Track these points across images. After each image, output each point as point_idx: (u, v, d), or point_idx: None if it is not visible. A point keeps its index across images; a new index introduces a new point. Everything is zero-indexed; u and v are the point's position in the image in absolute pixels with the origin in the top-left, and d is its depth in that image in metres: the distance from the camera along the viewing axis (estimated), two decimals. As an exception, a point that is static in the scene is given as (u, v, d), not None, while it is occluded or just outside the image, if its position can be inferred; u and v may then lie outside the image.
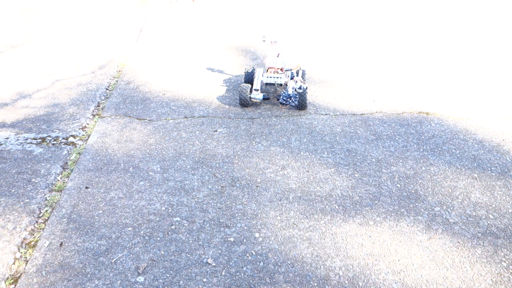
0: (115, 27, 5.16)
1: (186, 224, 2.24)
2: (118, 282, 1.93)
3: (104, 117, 3.23)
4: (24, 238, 2.15)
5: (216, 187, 2.51)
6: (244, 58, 4.28)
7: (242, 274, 1.97)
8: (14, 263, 2.01)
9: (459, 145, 2.91)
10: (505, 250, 2.10)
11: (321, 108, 3.36)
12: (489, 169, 2.67)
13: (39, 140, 2.92)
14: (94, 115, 3.27)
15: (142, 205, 2.37)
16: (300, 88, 3.20)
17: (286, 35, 4.93)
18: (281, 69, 3.38)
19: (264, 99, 3.30)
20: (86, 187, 2.49)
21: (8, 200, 2.39)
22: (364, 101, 3.46)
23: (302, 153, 2.81)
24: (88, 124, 3.15)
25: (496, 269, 2.00)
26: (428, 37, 4.91)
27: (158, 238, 2.16)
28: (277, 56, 3.49)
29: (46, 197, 2.42)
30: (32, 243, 2.13)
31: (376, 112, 3.32)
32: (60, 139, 2.94)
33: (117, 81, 3.81)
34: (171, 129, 3.08)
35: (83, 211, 2.32)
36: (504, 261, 2.04)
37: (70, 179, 2.55)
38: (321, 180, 2.57)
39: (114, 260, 2.04)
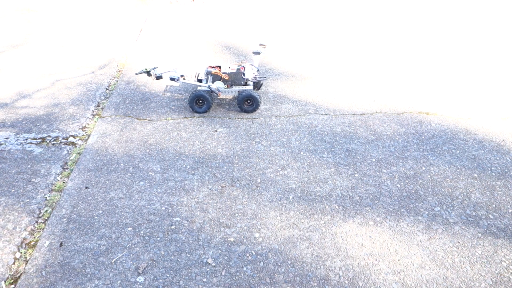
0: (115, 27, 5.16)
1: (186, 224, 2.24)
2: (118, 282, 1.93)
3: (104, 117, 3.23)
4: (24, 238, 2.15)
5: (216, 187, 2.51)
6: (244, 58, 4.28)
7: (242, 274, 1.97)
8: (14, 263, 2.01)
9: (459, 145, 2.91)
10: (505, 250, 2.10)
11: (321, 108, 3.36)
12: (489, 169, 2.67)
13: (39, 140, 2.92)
14: (94, 115, 3.27)
15: (142, 205, 2.37)
16: (208, 87, 3.21)
17: (285, 35, 4.93)
18: (215, 67, 3.32)
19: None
20: (86, 187, 2.49)
21: (8, 200, 2.39)
22: (364, 101, 3.46)
23: (302, 153, 2.81)
24: (88, 124, 3.15)
25: (496, 269, 2.00)
26: (428, 37, 4.91)
27: (158, 238, 2.16)
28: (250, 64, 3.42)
29: (46, 197, 2.41)
30: (32, 243, 2.13)
31: (376, 112, 3.32)
32: (60, 139, 2.94)
33: (117, 81, 3.81)
34: (171, 129, 3.08)
35: (83, 211, 2.32)
36: (504, 261, 2.04)
37: (70, 179, 2.55)
38: (321, 180, 2.57)
39: (114, 260, 2.04)
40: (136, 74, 3.27)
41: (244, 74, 3.24)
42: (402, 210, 2.34)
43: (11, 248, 2.09)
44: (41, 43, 4.61)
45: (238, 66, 3.29)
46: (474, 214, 2.32)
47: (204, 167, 2.68)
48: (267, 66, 4.17)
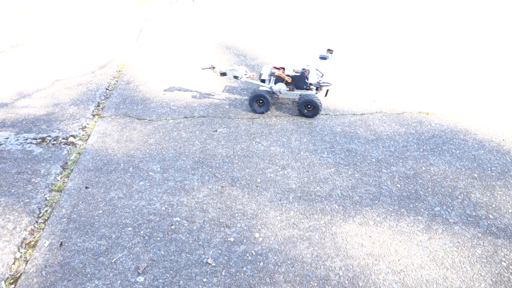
0: (115, 27, 5.16)
1: (186, 224, 2.24)
2: (118, 282, 1.93)
3: (104, 117, 3.23)
4: (24, 238, 2.14)
5: (216, 187, 2.51)
6: (244, 58, 4.28)
7: (242, 274, 1.97)
8: (14, 263, 2.01)
9: (459, 145, 2.91)
10: (505, 250, 2.10)
11: (321, 108, 3.36)
12: (489, 169, 2.67)
13: (39, 140, 2.92)
14: (94, 115, 3.27)
15: (142, 205, 2.37)
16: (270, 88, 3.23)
17: (285, 34, 4.93)
18: (279, 69, 3.32)
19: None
20: (86, 187, 2.49)
21: (8, 200, 2.39)
22: (364, 101, 3.46)
23: (302, 153, 2.81)
24: (88, 124, 3.15)
25: (496, 269, 2.00)
26: (428, 37, 4.91)
27: (158, 238, 2.16)
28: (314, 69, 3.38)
29: (46, 197, 2.41)
30: (32, 243, 2.13)
31: (376, 112, 3.32)
32: (60, 139, 2.94)
33: (117, 81, 3.81)
34: (171, 129, 3.08)
35: (83, 211, 2.32)
36: (504, 261, 2.04)
37: (70, 179, 2.55)
38: (321, 180, 2.57)
39: (114, 260, 2.04)
40: (202, 69, 3.36)
41: (307, 78, 3.19)
42: (402, 210, 2.34)
43: (11, 248, 2.09)
44: (41, 43, 4.61)
45: (303, 69, 3.23)
46: (474, 214, 2.32)
47: (204, 167, 2.68)
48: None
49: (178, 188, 2.49)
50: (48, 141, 2.91)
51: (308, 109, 3.18)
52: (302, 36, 4.90)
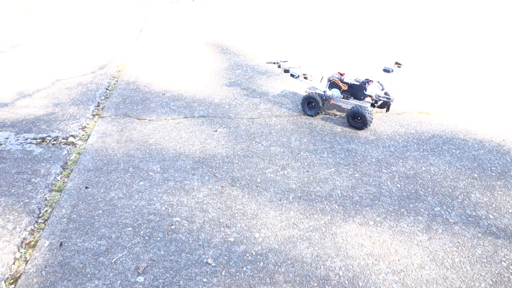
0: (115, 27, 5.16)
1: (186, 224, 2.24)
2: (118, 282, 1.93)
3: (104, 117, 3.23)
4: (24, 238, 2.14)
5: (216, 187, 2.51)
6: (244, 58, 4.28)
7: (242, 274, 1.97)
8: (14, 263, 2.01)
9: (459, 145, 2.91)
10: (505, 250, 2.10)
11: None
12: (489, 169, 2.67)
13: (39, 140, 2.92)
14: (94, 115, 3.27)
15: (142, 205, 2.37)
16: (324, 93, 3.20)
17: (284, 34, 4.92)
18: (342, 75, 3.19)
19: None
20: (86, 187, 2.49)
21: (8, 200, 2.39)
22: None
23: (302, 153, 2.81)
24: (88, 124, 3.15)
25: (496, 269, 2.00)
26: (428, 37, 4.91)
27: (158, 238, 2.15)
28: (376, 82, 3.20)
29: (46, 197, 2.41)
30: (32, 243, 2.13)
31: (376, 112, 3.31)
32: (60, 139, 2.94)
33: (117, 81, 3.81)
34: (171, 129, 3.08)
35: (83, 211, 2.32)
36: (504, 261, 2.04)
37: (70, 179, 2.55)
38: (321, 180, 2.57)
39: (114, 260, 2.04)
40: (267, 63, 3.44)
41: (365, 89, 3.06)
42: (402, 210, 2.34)
43: (11, 248, 2.09)
44: (41, 43, 4.61)
45: (366, 79, 3.09)
46: (474, 214, 2.32)
47: (204, 167, 2.67)
48: (267, 66, 4.17)
49: (178, 188, 2.49)
50: (48, 141, 2.91)
51: (357, 120, 3.04)
52: (300, 35, 4.90)
